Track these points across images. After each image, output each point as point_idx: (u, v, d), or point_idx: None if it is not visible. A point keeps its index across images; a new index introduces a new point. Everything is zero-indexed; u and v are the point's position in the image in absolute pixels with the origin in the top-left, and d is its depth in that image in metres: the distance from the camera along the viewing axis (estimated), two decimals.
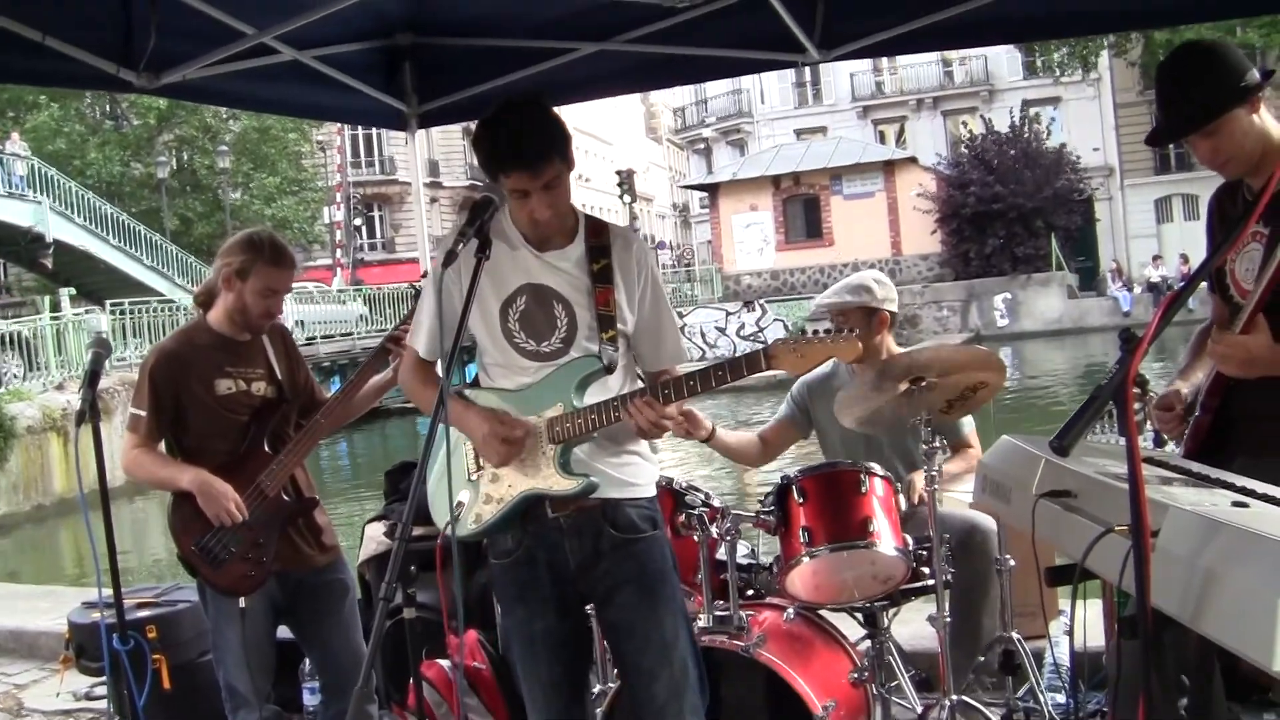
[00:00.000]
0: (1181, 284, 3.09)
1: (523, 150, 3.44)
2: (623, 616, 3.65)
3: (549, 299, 3.63)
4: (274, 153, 46.60)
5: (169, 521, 4.53)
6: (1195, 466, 2.99)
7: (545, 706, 3.70)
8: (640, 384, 3.74)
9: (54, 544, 19.98)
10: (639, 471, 3.75)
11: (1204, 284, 3.47)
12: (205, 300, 4.62)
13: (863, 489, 4.52)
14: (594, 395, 3.60)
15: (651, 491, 3.79)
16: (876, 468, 4.66)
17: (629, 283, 3.68)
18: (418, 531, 3.13)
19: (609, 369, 3.59)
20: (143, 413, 4.45)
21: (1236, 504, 2.46)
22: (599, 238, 3.69)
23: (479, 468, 3.69)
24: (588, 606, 3.92)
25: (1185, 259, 41.44)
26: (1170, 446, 3.81)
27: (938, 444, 4.69)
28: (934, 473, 4.59)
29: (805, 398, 5.46)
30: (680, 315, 38.28)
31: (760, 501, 4.75)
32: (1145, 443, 3.71)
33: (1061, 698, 4.81)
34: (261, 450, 4.51)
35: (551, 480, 3.58)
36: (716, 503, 4.74)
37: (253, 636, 4.44)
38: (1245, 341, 3.37)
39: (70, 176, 38.46)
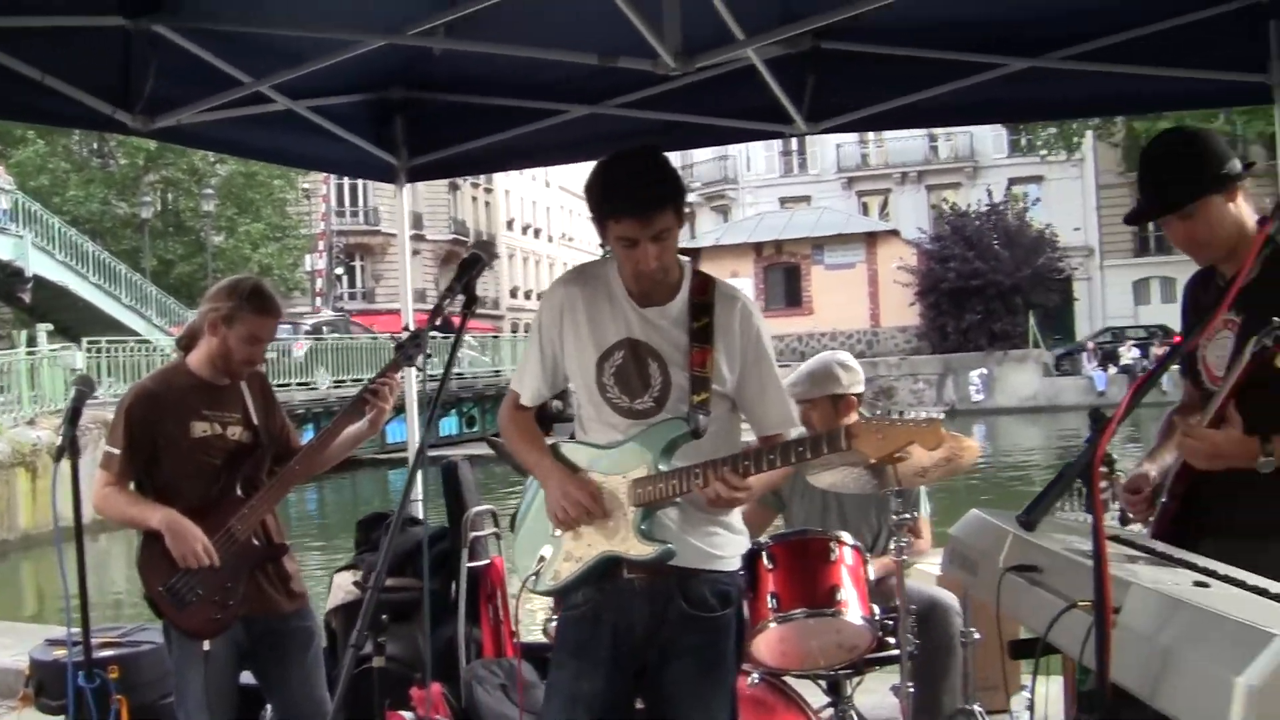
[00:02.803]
0: (1154, 366, 3.10)
1: (636, 197, 3.36)
2: (673, 689, 3.57)
3: (645, 356, 3.54)
4: (259, 198, 46.58)
5: (137, 561, 4.49)
6: (1160, 546, 3.03)
7: None
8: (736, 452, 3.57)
9: (16, 580, 19.79)
10: (725, 543, 3.63)
11: (1176, 367, 3.50)
12: (187, 343, 4.62)
13: (832, 557, 4.51)
14: (682, 459, 3.48)
15: (734, 565, 3.68)
16: (846, 536, 4.64)
17: (729, 343, 3.57)
18: (390, 582, 3.11)
19: (695, 434, 3.46)
20: (117, 451, 4.42)
21: (1198, 584, 2.50)
22: (703, 295, 3.58)
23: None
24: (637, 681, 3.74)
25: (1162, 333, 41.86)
26: (1137, 527, 3.84)
27: (909, 516, 4.71)
28: (903, 543, 4.61)
29: None
30: None
31: None
32: (1111, 521, 3.73)
33: None
34: (234, 495, 4.48)
35: (629, 544, 3.48)
36: None
37: (215, 680, 4.39)
38: (1212, 436, 3.35)
39: (52, 212, 38.40)
